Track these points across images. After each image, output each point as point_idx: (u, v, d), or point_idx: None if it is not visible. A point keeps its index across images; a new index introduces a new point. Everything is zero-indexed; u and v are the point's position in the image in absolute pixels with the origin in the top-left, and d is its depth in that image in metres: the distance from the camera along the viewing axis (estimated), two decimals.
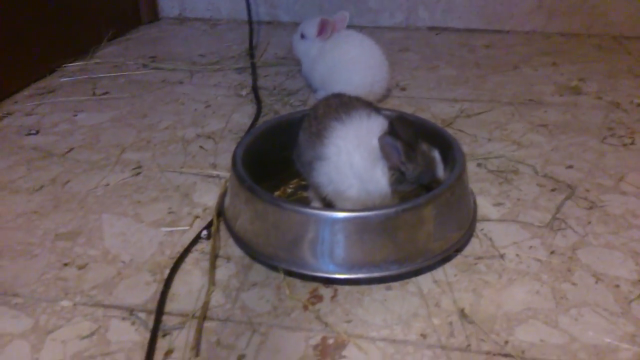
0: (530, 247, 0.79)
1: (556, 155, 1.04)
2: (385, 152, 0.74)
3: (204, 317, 0.67)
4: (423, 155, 0.75)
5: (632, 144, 1.08)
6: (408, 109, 1.23)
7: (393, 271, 0.72)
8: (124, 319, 0.68)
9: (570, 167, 1.00)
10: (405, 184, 0.75)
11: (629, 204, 0.89)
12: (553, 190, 0.93)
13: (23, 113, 1.23)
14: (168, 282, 0.73)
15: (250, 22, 1.73)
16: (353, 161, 0.77)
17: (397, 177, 0.75)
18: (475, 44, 1.72)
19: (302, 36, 1.32)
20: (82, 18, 1.59)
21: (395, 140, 0.73)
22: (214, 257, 0.77)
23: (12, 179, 0.98)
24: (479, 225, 0.84)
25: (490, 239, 0.81)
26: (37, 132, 1.15)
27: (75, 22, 1.56)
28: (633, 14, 1.76)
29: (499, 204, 0.89)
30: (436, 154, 0.76)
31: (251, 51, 1.60)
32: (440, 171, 0.76)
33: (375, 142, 0.74)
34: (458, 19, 1.85)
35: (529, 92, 1.34)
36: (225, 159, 1.03)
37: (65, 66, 1.50)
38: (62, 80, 1.41)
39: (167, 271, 0.75)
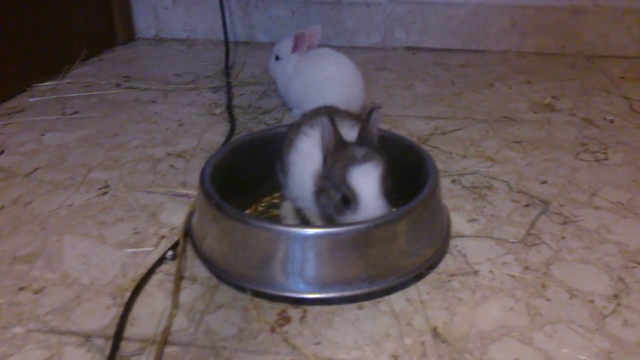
0: (504, 263, 0.77)
1: (530, 171, 1.03)
2: (322, 132, 0.72)
3: (164, 342, 0.64)
4: (348, 158, 0.70)
5: (605, 159, 1.08)
6: (384, 127, 1.22)
7: (364, 289, 0.70)
8: (79, 345, 0.64)
9: (544, 182, 0.99)
10: (324, 196, 0.72)
11: (603, 218, 0.88)
12: (527, 205, 0.92)
13: None
14: (128, 306, 0.69)
15: (226, 41, 1.73)
16: (300, 171, 0.77)
17: (320, 185, 0.73)
18: (451, 63, 1.73)
19: (277, 58, 1.32)
20: (55, 38, 1.57)
21: (331, 126, 0.71)
22: (179, 278, 0.74)
23: None
24: (453, 242, 0.82)
25: (464, 255, 0.79)
26: (2, 152, 1.11)
27: (48, 42, 1.53)
28: (605, 34, 1.79)
29: (473, 220, 0.88)
30: (367, 173, 0.69)
31: (227, 70, 1.59)
32: (361, 189, 0.69)
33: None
34: (434, 39, 1.87)
35: (503, 109, 1.35)
36: (196, 178, 0.99)
37: (36, 86, 1.47)
38: (31, 100, 1.38)
39: (129, 294, 0.71)
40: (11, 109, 1.33)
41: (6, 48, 1.37)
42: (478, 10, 1.81)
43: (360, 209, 0.69)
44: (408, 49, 1.89)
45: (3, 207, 0.91)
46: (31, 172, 1.03)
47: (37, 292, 0.72)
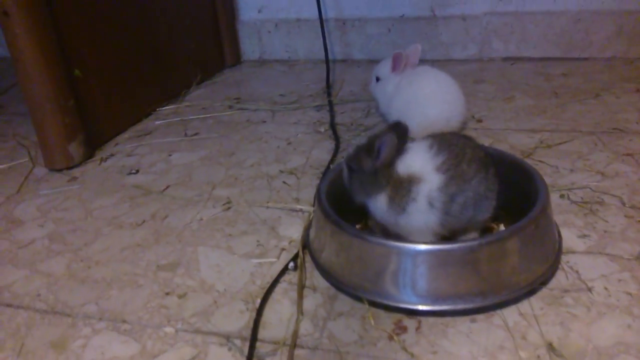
0: (620, 280, 0.77)
1: None
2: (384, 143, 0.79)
3: (294, 345, 0.71)
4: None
5: None
6: (485, 141, 1.24)
7: (477, 304, 0.73)
8: (221, 345, 0.73)
9: None
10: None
11: None
12: None
13: (124, 154, 1.36)
14: (260, 311, 0.77)
15: (327, 61, 1.81)
16: None
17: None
18: (553, 72, 1.70)
19: (377, 79, 1.37)
20: (173, 65, 1.74)
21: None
22: (301, 287, 0.81)
23: (117, 215, 1.08)
24: (565, 258, 0.83)
25: (577, 272, 0.80)
26: (137, 171, 1.26)
27: (167, 69, 1.70)
28: None
29: (584, 236, 0.88)
30: None
31: (328, 89, 1.67)
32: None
33: None
34: (533, 49, 1.84)
35: (612, 120, 1.31)
36: (307, 194, 1.08)
37: (159, 110, 1.64)
38: (156, 123, 1.54)
39: (259, 300, 0.79)
40: (140, 131, 1.50)
41: (134, 76, 1.54)
42: (580, 17, 1.76)
43: None
44: (506, 59, 1.88)
45: (144, 221, 1.04)
46: (164, 190, 1.16)
47: (180, 297, 0.83)
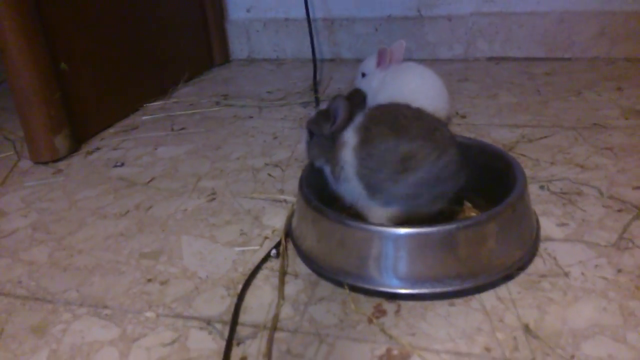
0: (596, 265, 0.79)
1: (622, 177, 1.03)
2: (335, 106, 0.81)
3: (274, 328, 0.71)
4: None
5: None
6: (468, 135, 1.26)
7: (455, 287, 0.74)
8: (201, 329, 0.73)
9: (638, 188, 0.98)
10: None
11: None
12: (619, 211, 0.92)
13: (110, 148, 1.36)
14: (241, 296, 0.78)
15: (314, 59, 1.82)
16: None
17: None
18: (536, 71, 1.73)
19: (363, 75, 1.38)
20: (162, 62, 1.74)
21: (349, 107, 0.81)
22: (283, 274, 0.82)
23: (101, 205, 1.08)
24: (543, 245, 0.84)
25: (555, 258, 0.81)
26: (123, 164, 1.26)
27: (156, 66, 1.71)
28: None
29: (563, 225, 0.89)
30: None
31: (315, 86, 1.68)
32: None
33: None
34: (518, 49, 1.87)
35: (592, 116, 1.33)
36: (292, 185, 1.09)
37: (147, 105, 1.64)
38: (144, 118, 1.55)
39: (240, 286, 0.80)
40: (127, 126, 1.50)
41: (122, 72, 1.55)
42: (563, 18, 1.79)
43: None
44: (491, 59, 1.90)
45: (128, 211, 1.04)
46: (149, 181, 1.16)
47: (162, 283, 0.83)
